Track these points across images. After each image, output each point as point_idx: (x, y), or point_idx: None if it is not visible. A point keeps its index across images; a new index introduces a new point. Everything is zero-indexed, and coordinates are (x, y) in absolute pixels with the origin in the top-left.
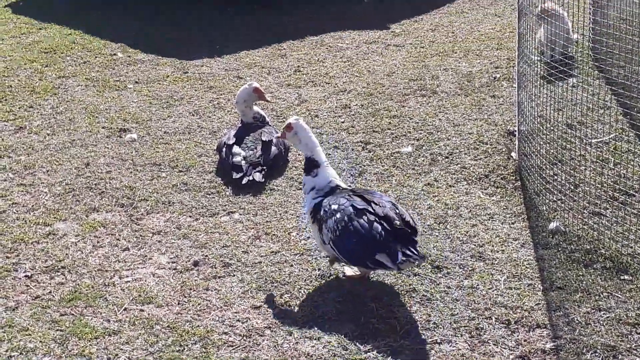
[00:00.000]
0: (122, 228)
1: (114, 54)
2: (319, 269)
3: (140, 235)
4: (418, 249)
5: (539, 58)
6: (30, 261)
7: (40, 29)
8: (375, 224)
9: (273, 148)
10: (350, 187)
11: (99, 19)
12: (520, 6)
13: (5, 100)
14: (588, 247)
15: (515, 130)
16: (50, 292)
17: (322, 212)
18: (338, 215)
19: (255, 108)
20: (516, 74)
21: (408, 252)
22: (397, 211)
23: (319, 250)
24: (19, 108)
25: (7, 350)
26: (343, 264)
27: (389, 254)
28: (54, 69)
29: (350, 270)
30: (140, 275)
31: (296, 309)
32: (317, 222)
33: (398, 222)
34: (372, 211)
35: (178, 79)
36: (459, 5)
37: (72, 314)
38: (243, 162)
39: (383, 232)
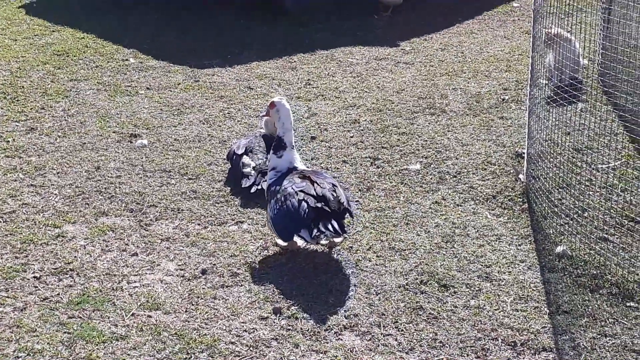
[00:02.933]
0: (131, 233)
1: (126, 60)
2: (327, 282)
3: (149, 241)
4: (341, 226)
5: (547, 82)
6: (39, 262)
7: (53, 31)
8: (303, 203)
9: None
10: (308, 167)
11: (112, 23)
12: (534, 30)
13: (18, 100)
14: (594, 272)
15: (524, 152)
16: (58, 294)
17: (270, 193)
18: (278, 196)
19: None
20: (528, 96)
21: (323, 228)
22: (335, 193)
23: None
24: (31, 109)
25: (14, 351)
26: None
27: (309, 229)
28: (66, 71)
29: (281, 241)
30: (148, 281)
31: (303, 321)
32: (267, 201)
33: (333, 202)
34: (309, 192)
35: (189, 86)
36: (468, 26)
37: (80, 317)
38: (252, 172)
39: (308, 210)
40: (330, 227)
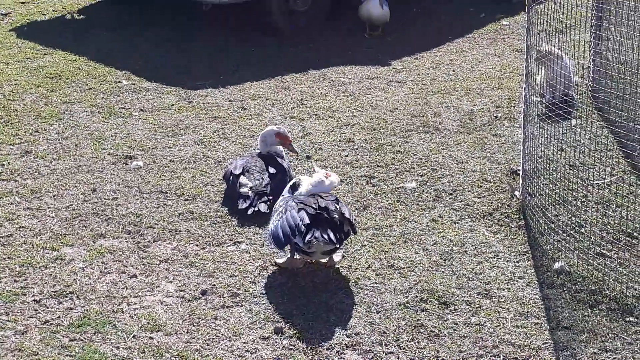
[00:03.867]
0: (129, 255)
1: (119, 82)
2: (327, 302)
3: (148, 263)
4: (338, 237)
5: (539, 99)
6: (38, 285)
7: (45, 54)
8: (302, 211)
9: (279, 179)
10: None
11: (103, 46)
12: (527, 47)
13: (11, 124)
14: (593, 287)
15: (519, 169)
16: (59, 317)
17: (274, 210)
18: (280, 209)
19: (278, 147)
20: (522, 113)
21: (316, 234)
22: (337, 206)
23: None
24: (25, 132)
25: None
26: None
27: (302, 236)
28: (59, 94)
29: (280, 259)
30: (148, 302)
31: (304, 340)
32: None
33: (335, 212)
34: (309, 204)
35: (183, 108)
36: (458, 44)
37: (82, 340)
38: (250, 192)
39: (304, 217)
40: (325, 235)
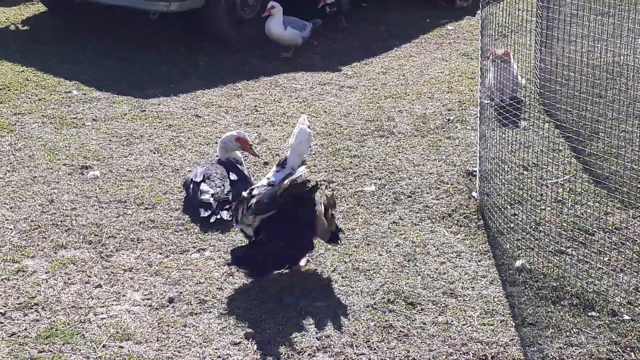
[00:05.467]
0: (93, 265)
1: (69, 92)
2: (296, 305)
3: (112, 272)
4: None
5: (489, 102)
6: (1, 298)
7: None
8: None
9: (240, 187)
10: None
11: (50, 56)
12: (481, 49)
13: None
14: (554, 284)
15: (475, 171)
16: (25, 329)
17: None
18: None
19: (236, 152)
20: (478, 115)
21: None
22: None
23: None
24: None
25: None
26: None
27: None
28: (8, 105)
29: None
30: (115, 312)
31: (276, 344)
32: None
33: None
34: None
35: (136, 116)
36: (406, 49)
37: (51, 351)
38: (211, 199)
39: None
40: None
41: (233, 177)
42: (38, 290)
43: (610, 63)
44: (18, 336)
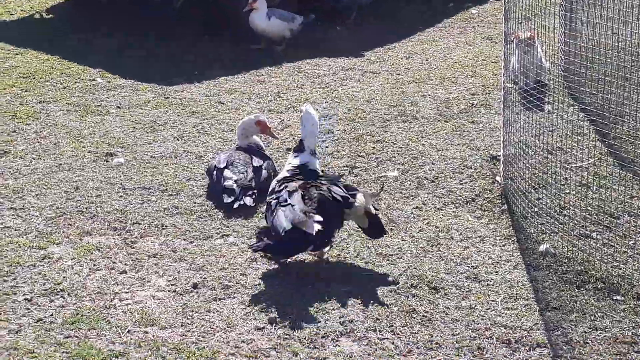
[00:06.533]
0: (117, 251)
1: (94, 80)
2: (319, 290)
3: (137, 258)
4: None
5: (512, 86)
6: (28, 284)
7: (16, 54)
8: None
9: (263, 172)
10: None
11: (75, 44)
12: (505, 35)
13: None
14: (579, 268)
15: (499, 155)
16: (52, 314)
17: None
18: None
19: (255, 137)
20: (502, 99)
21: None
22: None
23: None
24: (2, 132)
25: None
26: None
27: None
28: (34, 94)
29: None
30: (140, 297)
31: (299, 329)
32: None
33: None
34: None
35: (160, 104)
36: (429, 34)
37: (77, 336)
38: (235, 185)
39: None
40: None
41: (256, 163)
42: (64, 277)
43: (635, 46)
44: (44, 322)
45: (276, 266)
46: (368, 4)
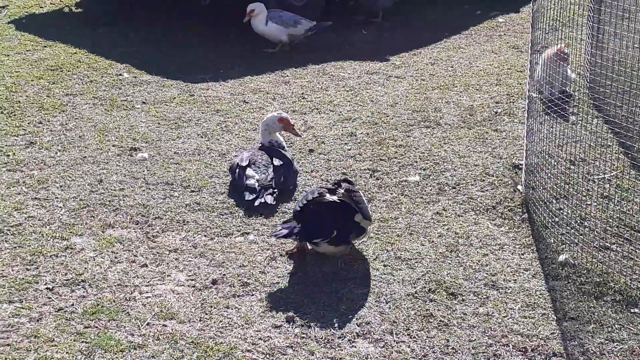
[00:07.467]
0: (139, 245)
1: (120, 74)
2: (337, 291)
3: (157, 253)
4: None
5: (537, 95)
6: (50, 274)
7: (45, 46)
8: None
9: (284, 171)
10: None
11: (102, 39)
12: (531, 44)
13: (15, 115)
14: (597, 280)
15: (520, 164)
16: (72, 304)
17: None
18: None
19: (277, 135)
20: (526, 108)
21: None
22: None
23: None
24: (29, 123)
25: None
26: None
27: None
28: (61, 86)
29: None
30: (160, 291)
31: (316, 329)
32: None
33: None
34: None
35: (185, 101)
36: (455, 41)
37: (96, 327)
38: (256, 184)
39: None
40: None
41: (276, 163)
42: (85, 268)
43: None
44: (65, 311)
45: (295, 265)
46: (391, 5)
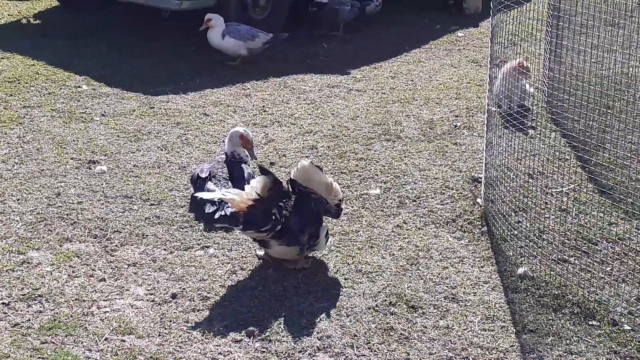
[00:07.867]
0: (97, 259)
1: (79, 86)
2: (298, 305)
3: (116, 267)
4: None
5: (496, 109)
6: (6, 289)
7: (2, 58)
8: None
9: (244, 183)
10: None
11: (61, 51)
12: (491, 58)
13: None
14: (556, 292)
15: (480, 177)
16: (29, 319)
17: None
18: None
19: (240, 148)
20: (486, 121)
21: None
22: None
23: None
24: None
25: None
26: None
27: None
28: (18, 98)
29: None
30: (118, 306)
31: (277, 343)
32: None
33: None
34: None
35: (144, 113)
36: (415, 55)
37: (53, 342)
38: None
39: None
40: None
41: (237, 174)
42: (42, 282)
43: (619, 74)
44: (21, 327)
45: (256, 279)
46: (352, 18)
